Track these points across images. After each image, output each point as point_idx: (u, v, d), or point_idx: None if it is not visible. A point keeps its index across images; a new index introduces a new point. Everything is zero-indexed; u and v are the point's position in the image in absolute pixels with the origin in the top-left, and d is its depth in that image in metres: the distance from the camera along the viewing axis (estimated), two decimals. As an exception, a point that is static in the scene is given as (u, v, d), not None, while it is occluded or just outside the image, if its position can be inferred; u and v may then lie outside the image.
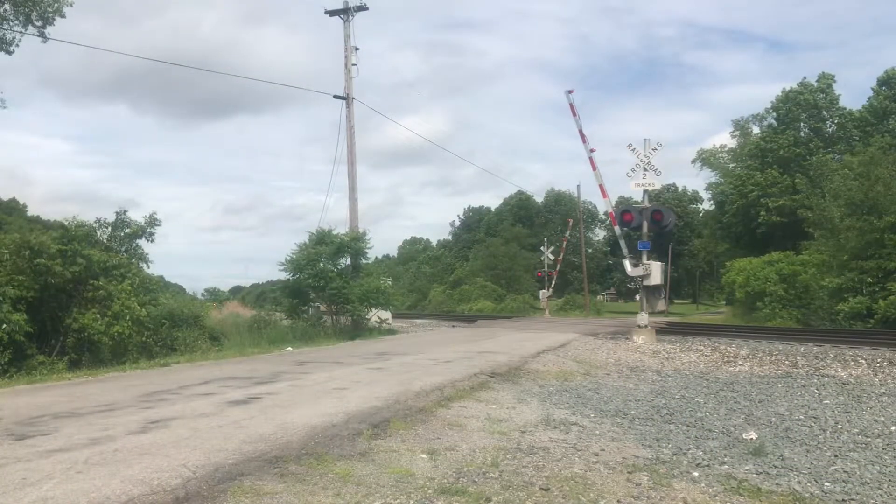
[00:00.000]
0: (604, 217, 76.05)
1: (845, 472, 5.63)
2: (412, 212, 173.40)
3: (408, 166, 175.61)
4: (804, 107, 44.39)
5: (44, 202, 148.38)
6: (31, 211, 59.10)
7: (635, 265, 20.15)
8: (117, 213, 14.09)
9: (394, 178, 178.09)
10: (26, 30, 15.18)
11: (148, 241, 14.45)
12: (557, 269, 48.60)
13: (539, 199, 79.55)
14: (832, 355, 15.50)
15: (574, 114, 24.42)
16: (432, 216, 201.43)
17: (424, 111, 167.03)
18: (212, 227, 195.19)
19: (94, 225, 13.52)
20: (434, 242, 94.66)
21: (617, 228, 26.70)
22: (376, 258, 32.82)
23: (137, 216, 14.64)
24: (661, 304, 22.13)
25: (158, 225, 14.52)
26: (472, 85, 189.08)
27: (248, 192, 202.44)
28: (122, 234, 13.99)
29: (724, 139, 58.11)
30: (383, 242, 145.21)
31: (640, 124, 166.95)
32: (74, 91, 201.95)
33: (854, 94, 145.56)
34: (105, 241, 13.69)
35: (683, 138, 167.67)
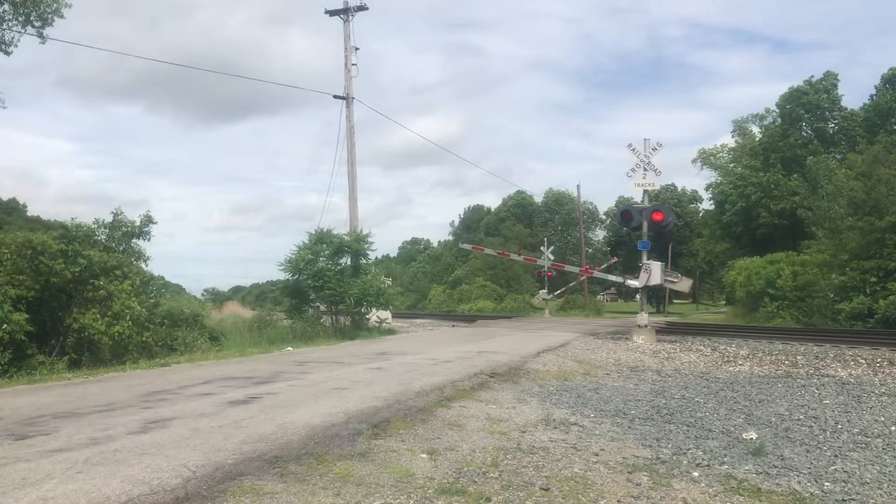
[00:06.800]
0: (604, 217, 76.19)
1: (845, 472, 5.63)
2: (421, 212, 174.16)
3: (418, 167, 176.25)
4: (807, 107, 44.41)
5: (55, 202, 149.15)
6: (45, 211, 59.14)
7: (636, 276, 20.15)
8: (114, 212, 14.05)
9: (404, 179, 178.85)
10: (25, 30, 15.18)
11: (144, 239, 14.39)
12: (584, 278, 48.39)
13: (539, 199, 79.57)
14: (832, 355, 15.49)
15: (482, 250, 33.42)
16: (440, 216, 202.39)
17: (433, 112, 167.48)
18: (220, 227, 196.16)
19: (93, 226, 13.48)
20: (436, 243, 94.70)
21: (599, 273, 29.01)
22: (376, 258, 32.86)
23: (134, 215, 14.58)
24: (685, 284, 22.02)
25: (154, 223, 14.47)
26: (479, 85, 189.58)
27: (258, 192, 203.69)
28: (119, 233, 13.93)
29: (729, 139, 58.24)
30: (390, 242, 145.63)
31: (645, 124, 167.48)
32: (90, 92, 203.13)
33: (857, 93, 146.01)
34: (104, 240, 13.64)
35: (689, 138, 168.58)
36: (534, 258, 39.15)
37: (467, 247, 42.66)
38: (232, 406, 7.22)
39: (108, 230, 13.80)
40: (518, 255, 35.09)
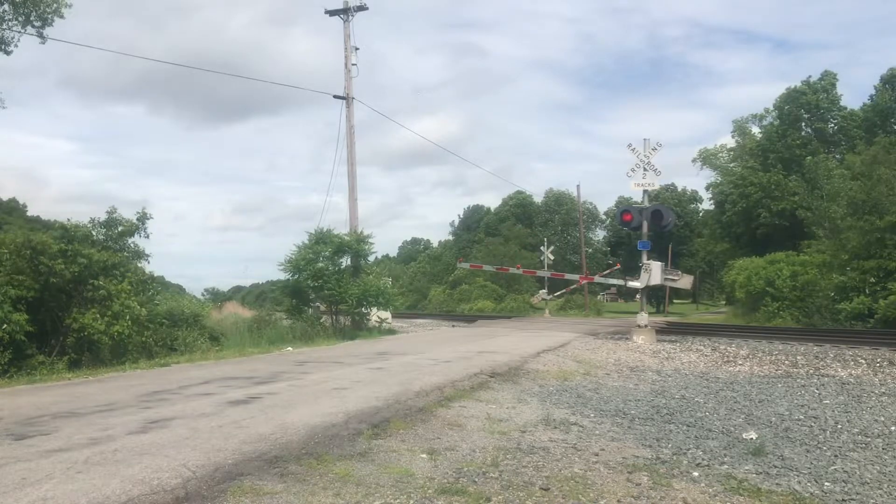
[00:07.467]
0: (604, 217, 76.12)
1: (845, 472, 5.62)
2: (421, 212, 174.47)
3: (419, 167, 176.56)
4: (806, 107, 44.39)
5: (56, 202, 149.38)
6: (45, 211, 59.17)
7: (636, 277, 20.14)
8: (108, 211, 14.01)
9: (405, 179, 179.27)
10: (25, 30, 15.16)
11: (141, 236, 14.35)
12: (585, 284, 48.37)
13: (539, 199, 79.49)
14: (832, 355, 15.49)
15: (480, 267, 37.22)
16: (441, 216, 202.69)
17: (434, 112, 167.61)
18: (221, 227, 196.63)
19: (88, 225, 13.46)
20: (436, 243, 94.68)
21: (599, 278, 29.95)
22: (377, 258, 32.92)
23: (130, 213, 14.53)
24: (686, 281, 21.99)
25: (150, 219, 14.43)
26: (480, 85, 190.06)
27: (258, 192, 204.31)
28: (116, 232, 13.89)
29: (729, 139, 58.09)
30: (391, 242, 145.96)
31: (645, 124, 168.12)
32: (91, 92, 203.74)
33: (859, 93, 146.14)
34: (101, 240, 13.63)
35: (689, 138, 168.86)
36: (533, 270, 39.51)
37: (465, 266, 41.80)
38: (232, 406, 7.21)
39: (104, 229, 13.78)
40: (517, 269, 35.91)
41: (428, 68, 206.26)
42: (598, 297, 68.76)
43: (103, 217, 13.86)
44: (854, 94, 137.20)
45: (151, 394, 8.16)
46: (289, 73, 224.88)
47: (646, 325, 19.84)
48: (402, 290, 55.35)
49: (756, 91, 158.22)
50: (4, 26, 14.85)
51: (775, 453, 6.19)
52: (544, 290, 44.99)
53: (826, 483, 5.24)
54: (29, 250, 11.70)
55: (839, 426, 7.78)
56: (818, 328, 24.21)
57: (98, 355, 11.96)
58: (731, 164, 52.64)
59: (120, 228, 13.93)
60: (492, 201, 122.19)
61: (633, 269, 23.92)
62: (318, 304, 21.54)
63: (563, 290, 48.96)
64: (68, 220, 13.16)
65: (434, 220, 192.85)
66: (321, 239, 20.89)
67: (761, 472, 5.44)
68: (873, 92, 43.88)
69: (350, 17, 24.17)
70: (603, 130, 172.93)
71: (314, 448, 5.37)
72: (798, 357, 15.34)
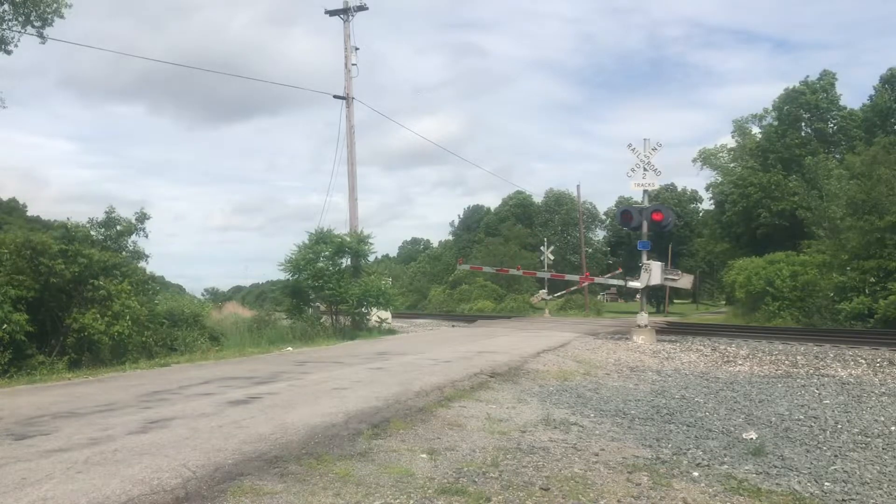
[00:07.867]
0: (604, 217, 76.10)
1: (845, 472, 5.62)
2: (422, 212, 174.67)
3: (419, 167, 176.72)
4: (806, 107, 44.40)
5: (56, 202, 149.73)
6: (45, 211, 59.24)
7: (637, 277, 20.14)
8: (107, 211, 13.99)
9: (405, 179, 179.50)
10: (25, 30, 15.16)
11: (140, 235, 14.35)
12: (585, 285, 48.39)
13: (539, 199, 79.46)
14: (832, 355, 15.49)
15: (480, 269, 37.05)
16: (441, 216, 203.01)
17: (435, 112, 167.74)
18: (221, 227, 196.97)
19: (87, 224, 13.46)
20: (436, 243, 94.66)
21: (600, 279, 30.60)
22: (377, 258, 32.94)
23: (130, 213, 14.54)
24: (686, 281, 21.97)
25: (149, 218, 14.42)
26: (481, 85, 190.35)
27: (259, 192, 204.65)
28: (114, 232, 13.89)
29: (729, 139, 58.02)
30: (391, 242, 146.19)
31: (645, 124, 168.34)
32: (92, 92, 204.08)
33: (859, 93, 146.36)
34: (101, 240, 13.62)
35: (689, 138, 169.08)
36: (533, 271, 39.81)
37: (465, 267, 42.54)
38: (232, 406, 7.21)
39: (103, 229, 13.77)
40: (517, 271, 36.56)
41: (428, 68, 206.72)
42: (598, 297, 68.68)
43: (101, 217, 13.88)
44: (854, 94, 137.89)
45: (151, 394, 8.16)
46: (289, 73, 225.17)
47: (646, 325, 19.84)
48: (402, 290, 55.39)
49: (756, 91, 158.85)
50: (4, 26, 14.84)
51: (775, 453, 6.19)
52: (544, 290, 44.94)
53: (826, 483, 5.24)
54: (29, 250, 11.69)
55: (839, 426, 7.78)
56: (818, 328, 24.20)
57: (98, 355, 11.96)
58: (731, 164, 52.66)
59: (118, 228, 13.93)
60: (492, 201, 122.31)
61: (633, 269, 23.90)
62: (318, 304, 21.53)
63: (564, 291, 49.00)
64: (68, 219, 13.18)
65: (434, 220, 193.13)
66: (321, 239, 20.89)
67: (761, 472, 5.44)
68: (873, 92, 43.91)
69: (350, 17, 24.20)
70: (603, 130, 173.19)
71: (314, 448, 5.37)
72: (798, 357, 15.34)
